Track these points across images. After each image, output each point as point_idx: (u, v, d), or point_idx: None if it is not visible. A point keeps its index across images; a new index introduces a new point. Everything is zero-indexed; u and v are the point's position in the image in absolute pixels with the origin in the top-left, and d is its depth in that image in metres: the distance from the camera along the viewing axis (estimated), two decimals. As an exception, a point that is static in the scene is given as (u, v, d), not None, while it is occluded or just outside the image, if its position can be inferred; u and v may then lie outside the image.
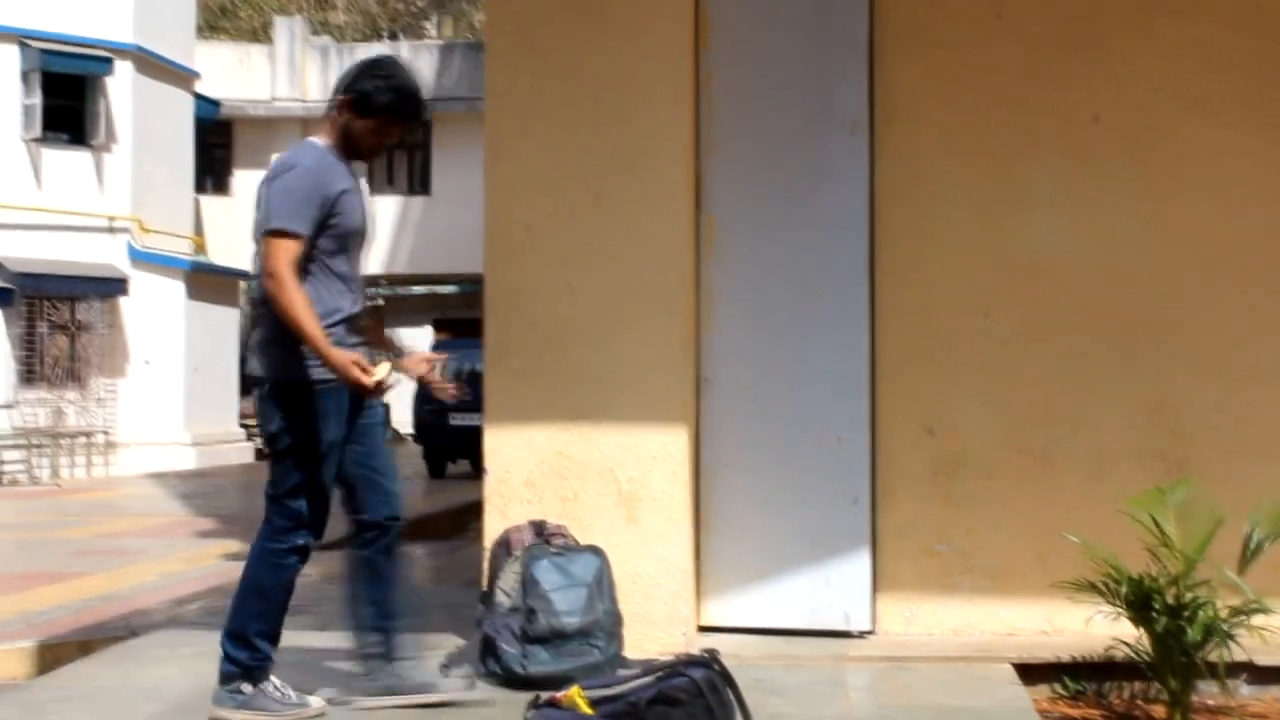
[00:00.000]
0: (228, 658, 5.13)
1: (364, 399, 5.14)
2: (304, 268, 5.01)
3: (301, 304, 4.90)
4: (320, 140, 5.19)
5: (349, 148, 5.18)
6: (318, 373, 4.99)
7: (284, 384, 5.06)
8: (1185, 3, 6.50)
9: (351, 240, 5.14)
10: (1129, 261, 6.49)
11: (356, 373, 4.90)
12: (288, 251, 4.94)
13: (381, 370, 4.99)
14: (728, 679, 4.66)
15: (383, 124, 5.15)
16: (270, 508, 5.17)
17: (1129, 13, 6.52)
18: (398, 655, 5.32)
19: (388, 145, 5.29)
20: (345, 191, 5.08)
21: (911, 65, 6.55)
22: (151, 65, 25.20)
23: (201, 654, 6.31)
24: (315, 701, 5.19)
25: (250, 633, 5.11)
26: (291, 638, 6.64)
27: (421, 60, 32.64)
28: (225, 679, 5.13)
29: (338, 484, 5.22)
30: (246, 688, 5.10)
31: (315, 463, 5.08)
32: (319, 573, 10.02)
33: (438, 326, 34.62)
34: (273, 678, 5.16)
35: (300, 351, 4.99)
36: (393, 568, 5.36)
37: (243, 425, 27.40)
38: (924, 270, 6.53)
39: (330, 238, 5.05)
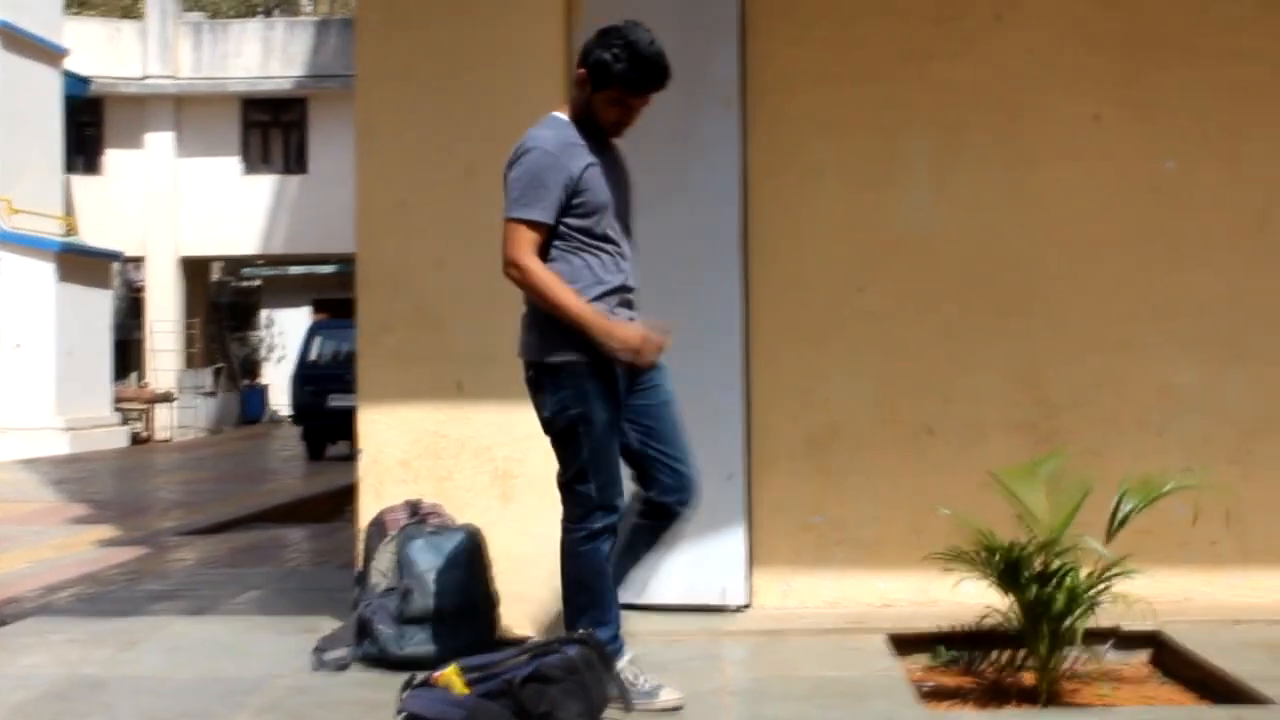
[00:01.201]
0: None
1: (638, 375, 4.93)
2: (557, 246, 4.82)
3: (554, 285, 4.74)
4: (563, 115, 4.97)
5: (591, 122, 4.90)
6: (570, 354, 4.80)
7: (544, 365, 4.86)
8: (1052, -21, 6.60)
9: (605, 212, 4.86)
10: (999, 235, 6.58)
11: (637, 342, 4.77)
12: (528, 239, 4.75)
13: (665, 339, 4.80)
14: (603, 656, 4.67)
15: (622, 95, 4.83)
16: (561, 495, 5.00)
17: (999, -11, 6.60)
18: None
19: (634, 116, 4.93)
20: (589, 166, 4.83)
21: (783, 40, 6.59)
22: (17, 41, 24.66)
23: (72, 641, 6.23)
24: (668, 694, 4.91)
25: (586, 625, 4.87)
26: (163, 624, 6.60)
27: (296, 37, 32.30)
28: None
29: (628, 463, 5.00)
30: None
31: (591, 443, 4.87)
32: (196, 556, 9.93)
33: (316, 307, 34.37)
34: (626, 662, 4.93)
35: (556, 331, 4.80)
36: (649, 548, 5.13)
37: (118, 409, 26.97)
38: (797, 245, 6.58)
39: (579, 215, 4.82)
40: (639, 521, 5.03)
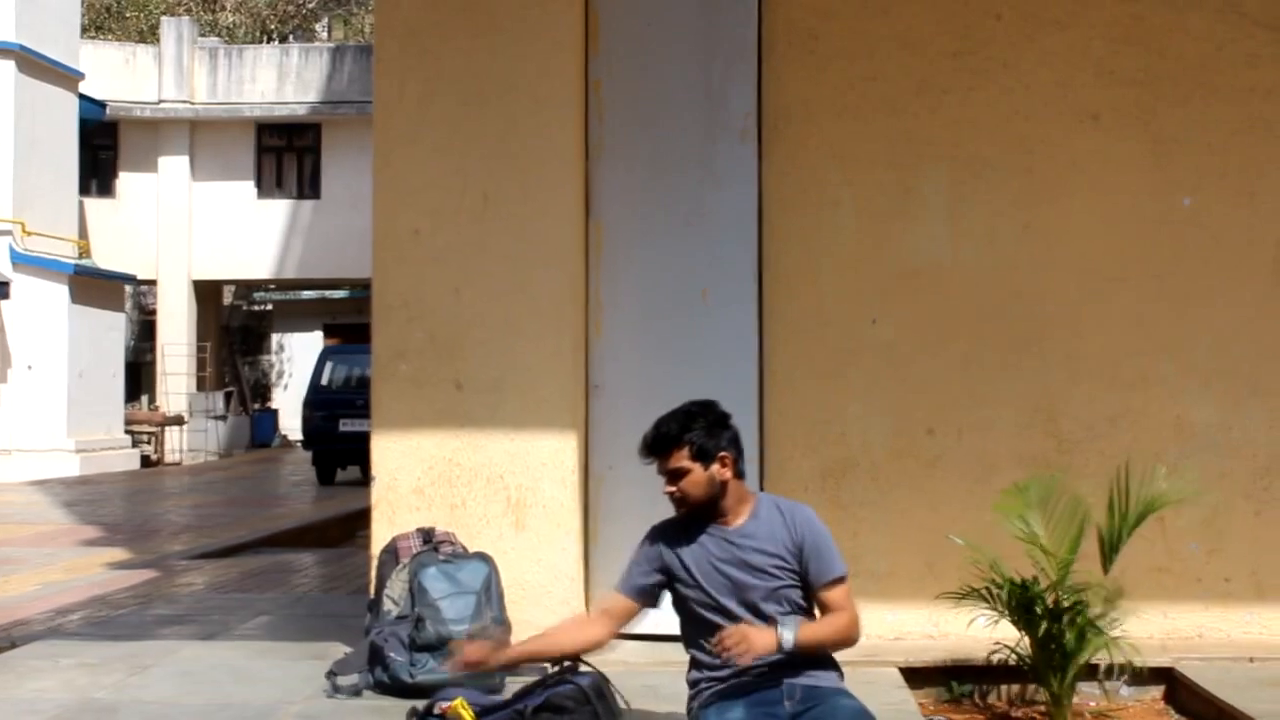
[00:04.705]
0: None
1: None
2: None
3: None
4: None
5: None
6: None
7: None
8: (1069, 15, 6.60)
9: None
10: (1013, 269, 6.57)
11: None
12: None
13: None
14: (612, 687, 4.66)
15: None
16: None
17: (1016, 23, 6.60)
18: None
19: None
20: None
21: (801, 73, 6.59)
22: (34, 65, 24.73)
23: (81, 665, 6.22)
24: None
25: None
26: (173, 648, 6.60)
27: (311, 63, 32.39)
28: None
29: None
30: None
31: None
32: (205, 581, 9.92)
33: (327, 332, 34.39)
34: None
35: None
36: None
37: (128, 432, 26.97)
38: (812, 277, 6.57)
39: None
40: None
